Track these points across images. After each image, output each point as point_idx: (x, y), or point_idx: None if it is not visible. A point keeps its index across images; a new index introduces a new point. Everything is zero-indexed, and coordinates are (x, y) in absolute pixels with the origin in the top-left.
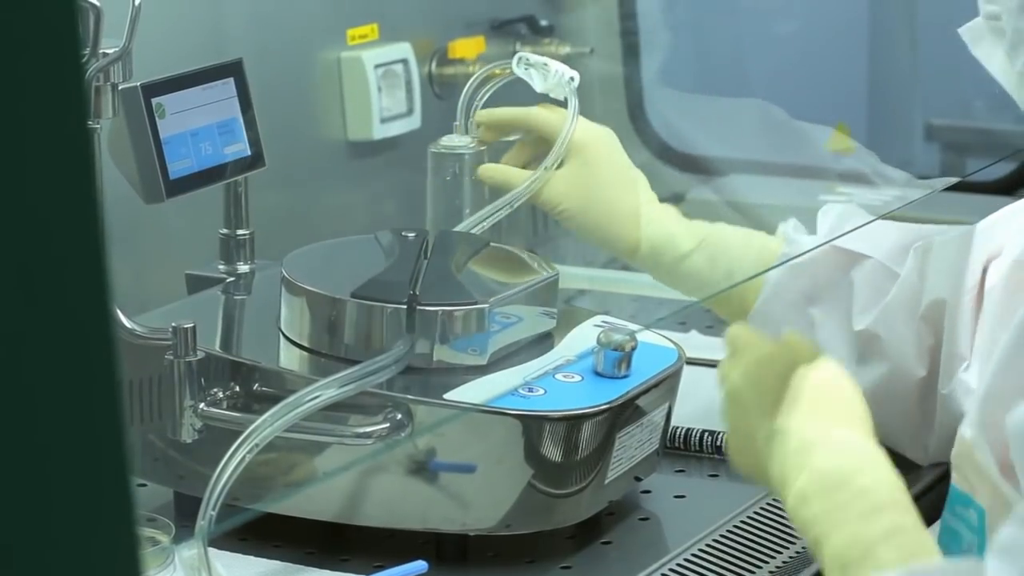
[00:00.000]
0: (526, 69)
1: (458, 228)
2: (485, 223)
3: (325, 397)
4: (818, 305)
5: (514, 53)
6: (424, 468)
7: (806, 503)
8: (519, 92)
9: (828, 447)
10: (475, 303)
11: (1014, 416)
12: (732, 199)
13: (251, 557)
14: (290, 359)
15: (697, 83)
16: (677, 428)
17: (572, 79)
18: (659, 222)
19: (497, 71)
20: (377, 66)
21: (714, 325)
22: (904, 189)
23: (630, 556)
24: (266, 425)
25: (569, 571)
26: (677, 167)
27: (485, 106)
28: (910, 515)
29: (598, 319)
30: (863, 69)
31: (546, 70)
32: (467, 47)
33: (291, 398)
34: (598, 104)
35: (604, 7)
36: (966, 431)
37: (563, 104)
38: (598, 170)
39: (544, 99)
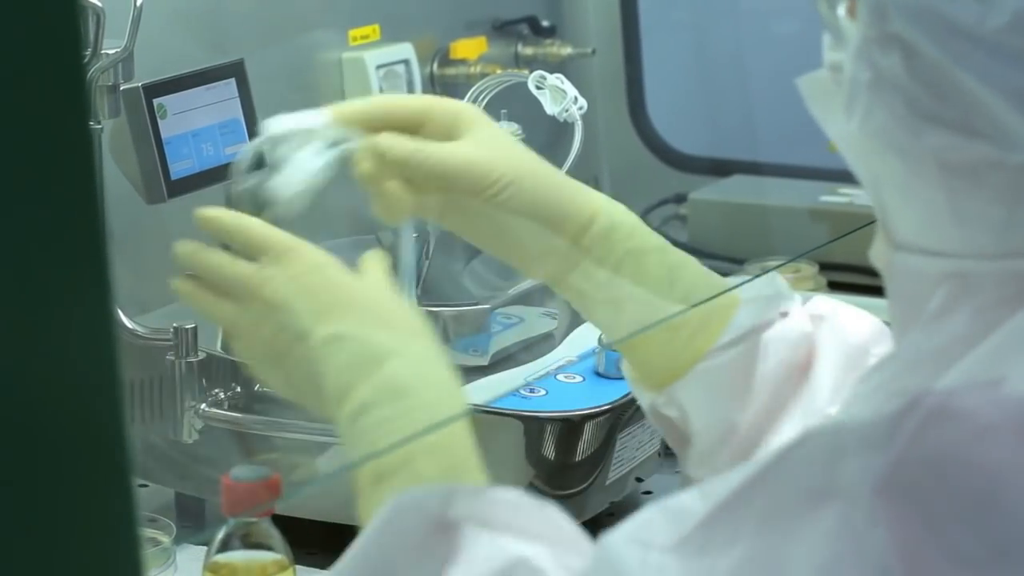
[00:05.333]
0: (539, 88)
1: None
2: None
3: None
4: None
5: (515, 54)
6: None
7: (365, 412)
8: (520, 96)
9: (404, 358)
10: (477, 304)
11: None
12: (733, 200)
13: None
14: None
15: (699, 83)
16: None
17: (581, 107)
18: (616, 204)
19: (498, 69)
20: (379, 67)
21: None
22: None
23: None
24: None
25: None
26: (678, 167)
27: (486, 108)
28: (463, 438)
29: None
30: None
31: (561, 94)
32: (469, 48)
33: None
34: (599, 104)
35: (606, 7)
36: None
37: (568, 126)
38: (510, 139)
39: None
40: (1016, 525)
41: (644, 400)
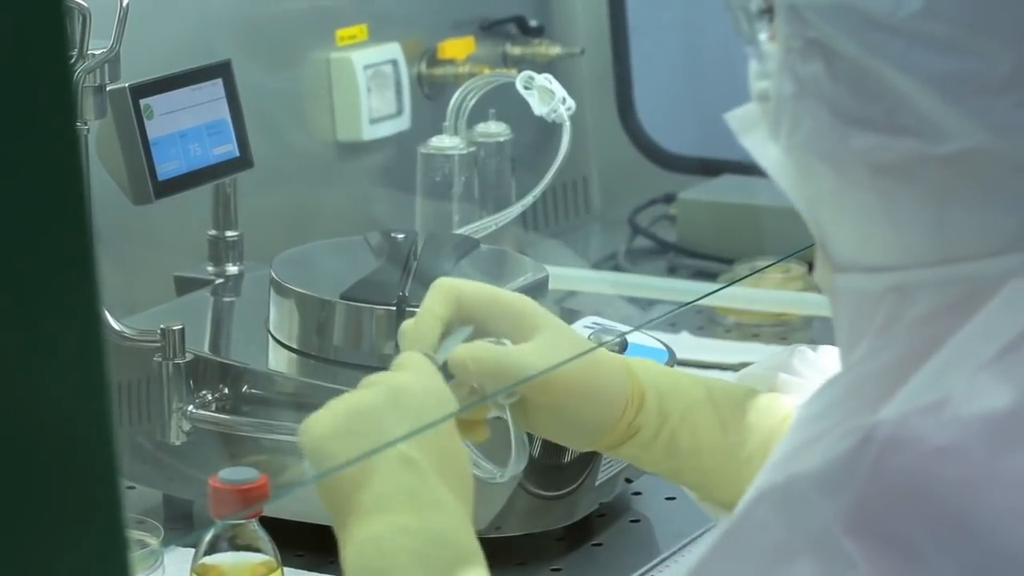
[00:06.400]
0: (527, 88)
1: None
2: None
3: None
4: None
5: (503, 54)
6: None
7: (403, 534)
8: (508, 96)
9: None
10: None
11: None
12: (723, 200)
13: None
14: (279, 361)
15: (687, 83)
16: None
17: (570, 108)
18: (655, 367)
19: (486, 69)
20: (366, 67)
21: (704, 327)
22: None
23: (621, 558)
24: None
25: (560, 573)
26: (667, 167)
27: (474, 108)
28: None
29: (589, 320)
30: None
31: (549, 95)
32: (456, 47)
33: None
34: (588, 104)
35: (594, 7)
36: None
37: (556, 126)
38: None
39: (536, 120)
40: (986, 542)
41: (714, 514)
